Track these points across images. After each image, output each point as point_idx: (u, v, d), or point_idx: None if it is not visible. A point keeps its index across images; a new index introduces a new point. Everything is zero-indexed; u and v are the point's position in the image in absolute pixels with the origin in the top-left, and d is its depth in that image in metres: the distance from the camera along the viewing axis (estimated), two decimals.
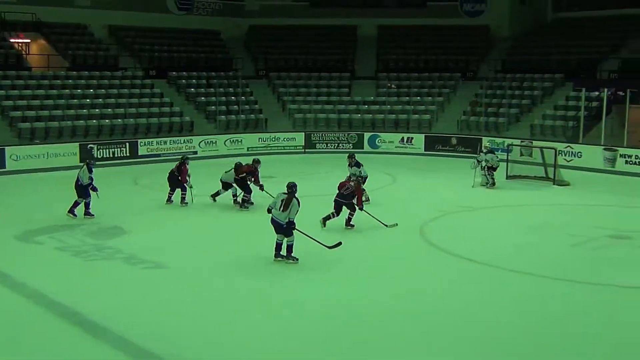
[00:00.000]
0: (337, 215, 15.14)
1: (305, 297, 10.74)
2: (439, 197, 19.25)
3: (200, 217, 16.65)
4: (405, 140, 29.04)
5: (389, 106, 30.94)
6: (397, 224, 15.34)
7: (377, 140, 29.16)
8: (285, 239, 12.36)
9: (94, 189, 15.93)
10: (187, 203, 17.68)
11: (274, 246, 12.43)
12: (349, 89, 32.94)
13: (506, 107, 29.36)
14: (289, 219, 12.19)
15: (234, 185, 17.74)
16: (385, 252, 13.62)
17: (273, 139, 28.87)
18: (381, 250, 13.75)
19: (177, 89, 31.09)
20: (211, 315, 9.94)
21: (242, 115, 30.08)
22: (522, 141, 24.92)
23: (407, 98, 31.46)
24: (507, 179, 21.65)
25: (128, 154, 25.53)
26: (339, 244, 12.90)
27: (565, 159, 23.88)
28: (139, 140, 26.01)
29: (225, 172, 17.85)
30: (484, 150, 21.81)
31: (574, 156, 24.64)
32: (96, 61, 30.39)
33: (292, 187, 12.42)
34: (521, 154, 23.68)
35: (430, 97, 31.66)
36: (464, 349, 8.81)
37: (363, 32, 36.33)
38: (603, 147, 24.42)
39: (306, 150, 28.99)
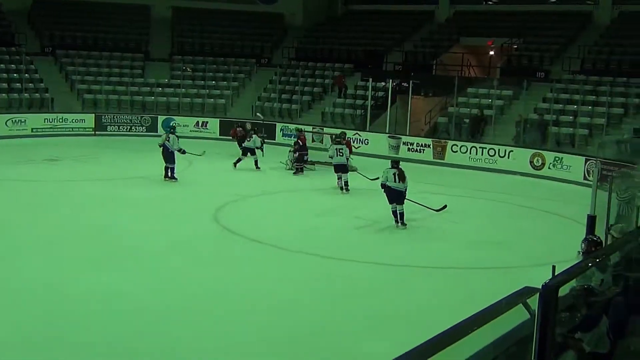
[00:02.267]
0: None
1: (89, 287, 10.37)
2: (236, 181, 19.40)
3: None
4: (200, 125, 28.87)
5: (183, 89, 30.58)
6: (446, 206, 16.09)
7: (171, 124, 28.63)
8: (398, 206, 14.51)
9: (183, 152, 18.92)
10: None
11: (392, 214, 14.57)
12: (142, 70, 32.07)
13: (299, 94, 30.13)
14: (405, 188, 14.54)
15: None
16: (177, 236, 13.48)
17: (60, 120, 27.43)
18: (174, 234, 13.60)
19: None
20: None
21: (26, 94, 28.27)
22: (313, 128, 25.71)
23: (203, 82, 31.28)
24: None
25: None
26: (445, 207, 15.76)
27: (353, 146, 24.95)
28: None
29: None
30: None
31: (362, 143, 25.85)
32: None
33: (398, 162, 15.21)
34: (313, 140, 24.45)
35: (225, 82, 31.70)
36: (259, 327, 8.98)
37: (157, 13, 35.43)
38: (388, 135, 25.85)
39: (96, 132, 27.88)
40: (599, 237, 8.75)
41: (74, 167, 20.53)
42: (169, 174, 18.84)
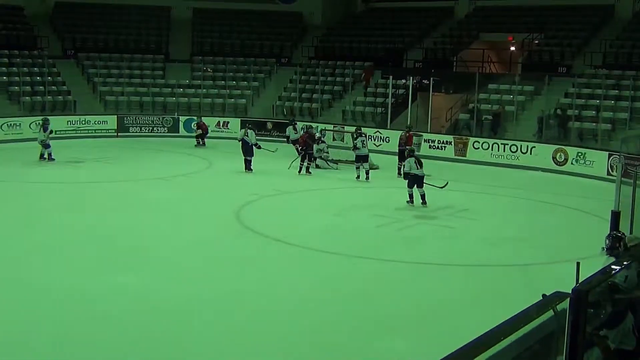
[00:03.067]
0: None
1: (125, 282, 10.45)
2: (255, 181, 19.45)
3: None
4: (221, 125, 28.98)
5: (204, 90, 30.71)
6: (447, 183, 17.54)
7: (192, 124, 28.85)
8: (419, 189, 16.30)
9: (259, 147, 20.88)
10: None
11: (409, 196, 16.43)
12: (163, 71, 32.27)
13: (319, 93, 30.11)
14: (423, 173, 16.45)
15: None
16: (199, 236, 13.54)
17: (83, 122, 27.68)
18: (197, 234, 13.66)
19: None
20: None
21: (49, 97, 28.58)
22: (334, 126, 25.70)
23: (223, 82, 31.42)
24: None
25: None
26: (447, 183, 17.41)
27: (374, 144, 24.94)
28: None
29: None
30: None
31: (383, 141, 25.80)
32: None
33: (413, 151, 17.57)
34: (334, 139, 24.45)
35: (245, 82, 31.79)
36: (287, 327, 9.00)
37: (177, 14, 35.62)
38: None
39: (119, 134, 28.09)
40: (623, 233, 8.66)
41: (96, 169, 20.71)
42: (248, 166, 20.55)
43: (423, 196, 16.38)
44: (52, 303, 9.61)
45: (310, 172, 20.71)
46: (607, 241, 8.36)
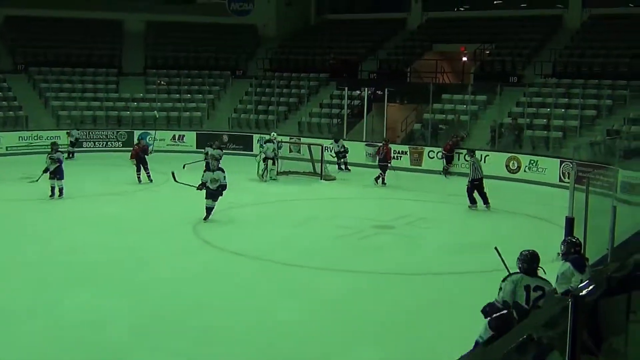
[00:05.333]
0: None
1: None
2: None
3: None
4: (176, 138, 28.80)
5: (159, 103, 30.50)
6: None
7: (148, 138, 28.54)
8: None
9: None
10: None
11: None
12: (116, 85, 31.96)
13: (275, 105, 30.16)
14: None
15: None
16: (158, 250, 13.42)
17: (35, 138, 27.21)
18: (155, 248, 13.54)
19: None
20: None
21: (0, 113, 28.05)
22: (290, 138, 25.76)
23: (178, 95, 31.25)
24: (276, 174, 22.27)
25: None
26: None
27: (331, 155, 25.06)
28: None
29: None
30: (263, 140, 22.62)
31: None
32: None
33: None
34: (290, 151, 24.49)
35: (201, 95, 31.67)
36: (250, 342, 8.99)
37: (130, 27, 35.37)
38: (365, 143, 25.97)
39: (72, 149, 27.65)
40: (577, 239, 8.85)
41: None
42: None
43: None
44: (7, 321, 9.43)
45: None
46: (563, 247, 8.54)
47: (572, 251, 8.37)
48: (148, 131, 27.36)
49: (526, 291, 7.08)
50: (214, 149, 21.11)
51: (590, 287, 4.76)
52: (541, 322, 4.89)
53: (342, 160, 24.65)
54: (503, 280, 7.18)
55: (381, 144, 22.39)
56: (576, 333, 4.21)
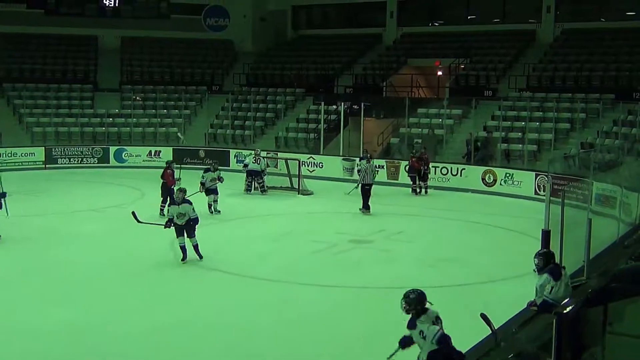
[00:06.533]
0: None
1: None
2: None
3: None
4: (153, 154, 28.64)
5: (135, 119, 30.35)
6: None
7: (123, 154, 28.44)
8: None
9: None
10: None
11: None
12: (91, 101, 31.76)
13: (251, 120, 30.13)
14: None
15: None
16: (136, 267, 13.30)
17: (9, 155, 26.91)
18: (130, 266, 13.41)
19: None
20: None
21: None
22: (267, 153, 25.72)
23: (154, 111, 31.13)
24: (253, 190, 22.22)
25: None
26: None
27: (308, 169, 25.05)
28: None
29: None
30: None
31: (316, 166, 25.95)
32: None
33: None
34: (267, 165, 24.41)
35: (177, 110, 31.56)
36: (230, 357, 8.90)
37: (105, 43, 35.23)
38: (342, 157, 26.00)
39: (47, 166, 27.41)
40: (550, 250, 8.92)
41: (24, 202, 20.05)
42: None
43: None
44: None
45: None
46: (536, 260, 8.59)
47: (551, 262, 8.45)
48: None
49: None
50: (212, 171, 19.20)
51: (572, 306, 4.84)
52: (530, 338, 4.99)
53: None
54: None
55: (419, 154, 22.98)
56: (561, 347, 4.30)
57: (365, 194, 19.08)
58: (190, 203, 13.66)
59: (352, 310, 11.11)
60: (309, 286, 12.23)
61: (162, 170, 18.47)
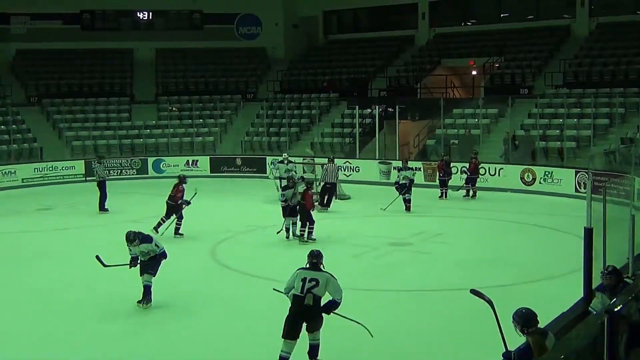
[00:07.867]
0: None
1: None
2: (228, 218, 19.36)
3: None
4: (190, 163, 28.92)
5: (171, 129, 30.69)
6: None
7: (161, 165, 28.80)
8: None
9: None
10: (181, 234, 16.74)
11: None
12: (129, 113, 32.23)
13: (286, 127, 30.25)
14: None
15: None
16: (177, 274, 13.42)
17: (50, 169, 27.42)
18: (173, 273, 13.52)
19: None
20: None
21: (14, 145, 28.32)
22: (304, 159, 25.81)
23: (190, 121, 31.46)
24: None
25: None
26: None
27: (344, 174, 25.07)
28: None
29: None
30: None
31: (353, 171, 25.96)
32: None
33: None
34: (304, 171, 24.50)
35: (212, 119, 31.86)
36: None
37: (140, 56, 35.73)
38: (378, 160, 25.97)
39: (87, 178, 27.79)
40: (610, 267, 8.60)
41: (67, 215, 20.45)
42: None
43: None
44: (34, 350, 9.46)
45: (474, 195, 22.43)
46: (604, 279, 8.20)
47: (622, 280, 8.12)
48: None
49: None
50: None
51: (623, 304, 4.81)
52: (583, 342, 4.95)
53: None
54: None
55: (470, 158, 22.74)
56: (612, 346, 4.29)
57: (328, 191, 20.49)
58: (151, 240, 11.72)
59: (387, 312, 11.01)
60: (350, 290, 12.16)
61: (174, 185, 17.10)
